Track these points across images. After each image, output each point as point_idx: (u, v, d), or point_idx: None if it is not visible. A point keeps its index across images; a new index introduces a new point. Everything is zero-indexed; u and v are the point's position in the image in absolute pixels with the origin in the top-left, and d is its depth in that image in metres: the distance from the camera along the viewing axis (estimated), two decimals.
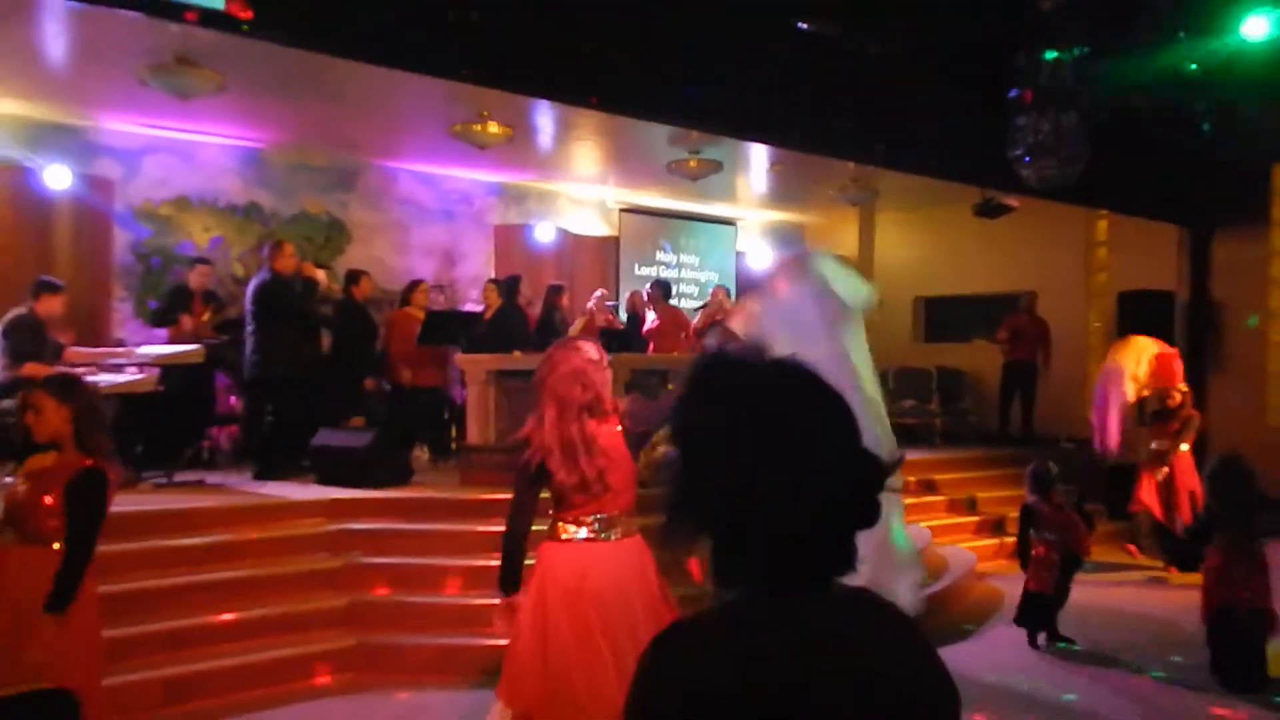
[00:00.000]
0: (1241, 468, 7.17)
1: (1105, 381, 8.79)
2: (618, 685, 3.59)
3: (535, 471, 3.95)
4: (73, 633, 4.24)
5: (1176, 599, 9.19)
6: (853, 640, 1.45)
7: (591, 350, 4.07)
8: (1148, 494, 10.14)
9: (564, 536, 3.98)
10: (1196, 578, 9.55)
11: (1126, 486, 10.50)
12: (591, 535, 3.96)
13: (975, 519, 11.27)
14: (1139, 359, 9.32)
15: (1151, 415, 9.74)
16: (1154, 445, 9.92)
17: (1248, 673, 6.70)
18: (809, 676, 1.40)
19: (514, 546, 4.06)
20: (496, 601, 5.05)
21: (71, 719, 4.18)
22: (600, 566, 3.91)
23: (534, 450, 3.94)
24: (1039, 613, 7.59)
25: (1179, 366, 10.02)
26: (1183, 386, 10.35)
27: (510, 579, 4.05)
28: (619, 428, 4.05)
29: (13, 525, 4.35)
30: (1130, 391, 9.45)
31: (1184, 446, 10.15)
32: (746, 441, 1.46)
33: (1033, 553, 7.64)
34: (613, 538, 3.97)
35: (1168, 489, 10.07)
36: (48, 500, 4.27)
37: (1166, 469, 10.03)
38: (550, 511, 4.04)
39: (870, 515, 1.48)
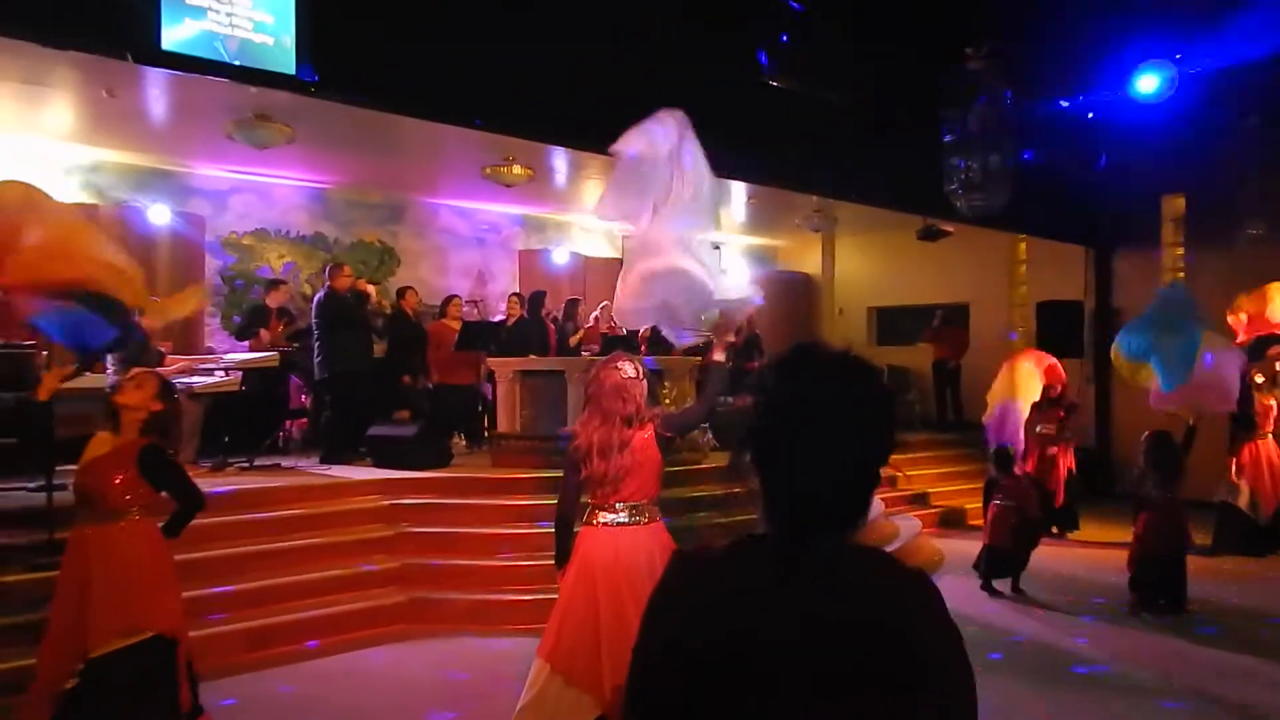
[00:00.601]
0: (1170, 442, 7.34)
1: (1004, 413, 8.63)
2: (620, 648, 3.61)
3: (578, 464, 3.96)
4: (162, 588, 4.28)
5: (1083, 556, 9.23)
6: (842, 585, 1.40)
7: (629, 368, 4.04)
8: (1032, 467, 9.92)
9: (597, 522, 3.95)
10: (1086, 535, 9.86)
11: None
12: (621, 521, 3.93)
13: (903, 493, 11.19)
14: (1031, 383, 9.14)
15: (1040, 405, 9.63)
16: (1039, 429, 9.82)
17: (1174, 603, 7.05)
18: (768, 613, 1.38)
19: (563, 527, 4.10)
20: (527, 564, 5.24)
21: (169, 657, 4.20)
22: (629, 547, 3.88)
23: (577, 447, 3.96)
24: (996, 563, 7.68)
25: (1060, 371, 9.93)
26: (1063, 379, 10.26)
27: (561, 555, 4.05)
28: (651, 434, 4.01)
29: (88, 508, 4.27)
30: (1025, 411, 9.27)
31: (1067, 434, 10.14)
32: (795, 417, 1.47)
33: (991, 514, 7.77)
34: (640, 522, 3.94)
35: (1050, 466, 9.99)
36: (117, 480, 4.20)
37: (1054, 449, 9.96)
38: (587, 500, 4.04)
39: (875, 482, 1.48)
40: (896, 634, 1.36)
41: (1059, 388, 9.97)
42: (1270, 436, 9.15)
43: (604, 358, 4.25)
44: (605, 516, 3.96)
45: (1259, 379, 9.13)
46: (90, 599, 4.10)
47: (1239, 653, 6.28)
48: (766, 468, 1.48)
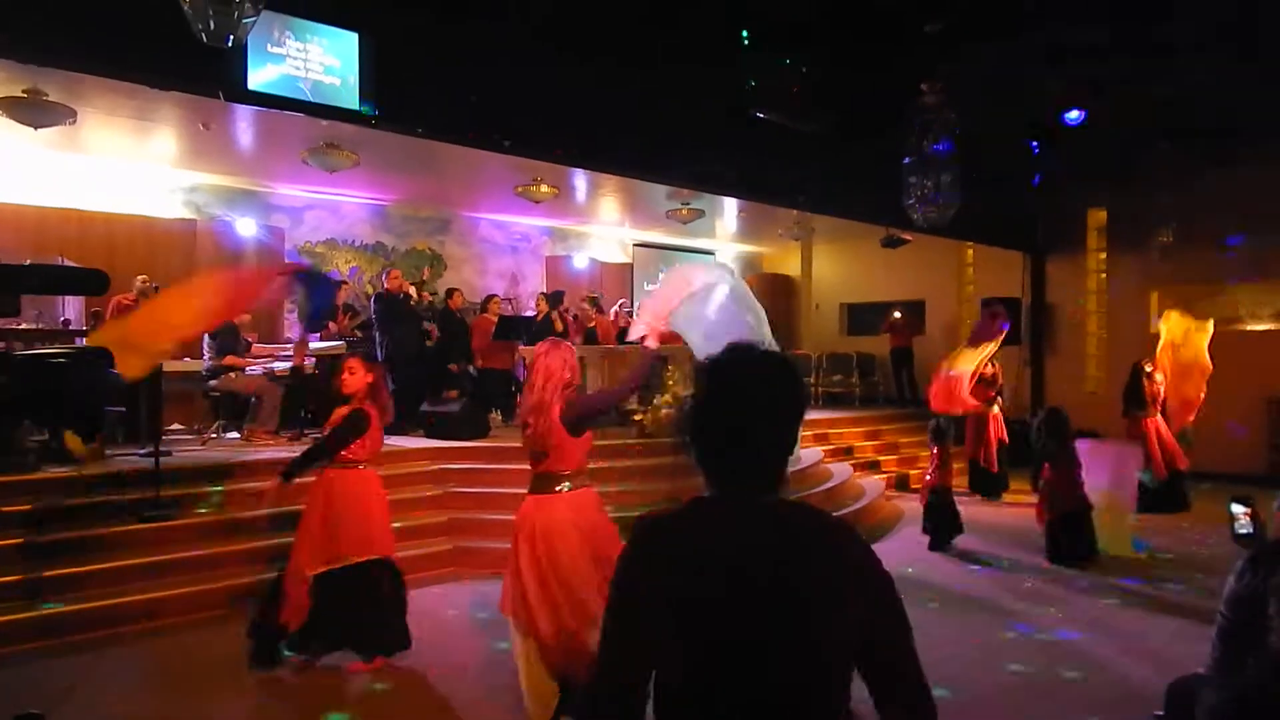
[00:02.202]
0: (1062, 415, 7.38)
1: (948, 378, 8.72)
2: (566, 605, 3.50)
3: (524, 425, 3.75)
4: (383, 522, 4.73)
5: (1008, 513, 9.20)
6: (774, 522, 1.47)
7: (572, 349, 3.83)
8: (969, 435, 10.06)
9: (533, 490, 3.72)
10: (1012, 498, 9.71)
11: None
12: (551, 489, 3.66)
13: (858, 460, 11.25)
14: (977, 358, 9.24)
15: (976, 383, 9.64)
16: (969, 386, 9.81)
17: (1076, 553, 6.99)
18: (727, 541, 1.44)
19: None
20: None
21: (395, 575, 4.77)
22: (552, 513, 3.62)
23: (525, 409, 3.73)
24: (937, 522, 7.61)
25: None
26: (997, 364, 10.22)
27: None
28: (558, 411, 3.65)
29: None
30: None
31: (995, 409, 10.08)
32: (716, 400, 1.52)
33: (923, 483, 7.80)
34: (565, 490, 3.65)
35: (981, 437, 9.99)
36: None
37: (986, 420, 9.94)
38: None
39: (790, 449, 1.53)
40: (833, 558, 1.46)
41: (990, 369, 9.92)
42: (1159, 415, 9.17)
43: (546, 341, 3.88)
44: (538, 484, 3.71)
45: (1148, 368, 9.18)
46: (333, 524, 4.51)
47: (1137, 592, 6.31)
48: (704, 445, 1.52)
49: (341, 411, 4.66)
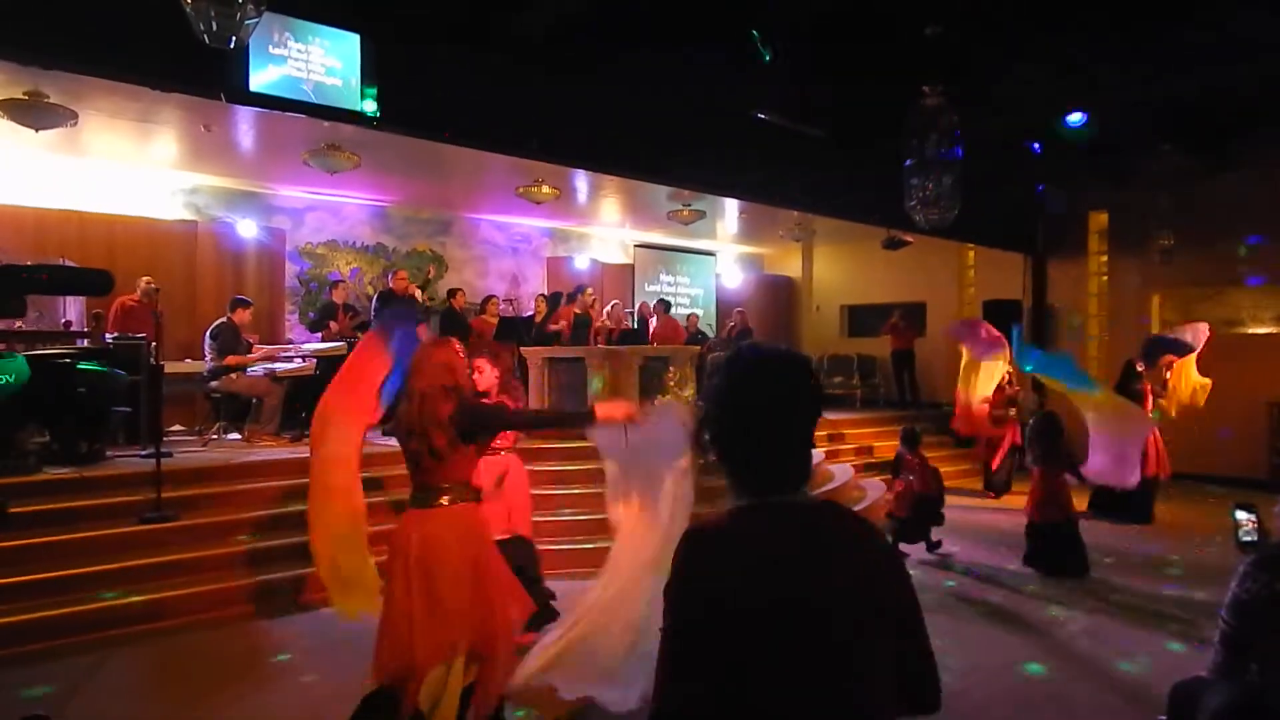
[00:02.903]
0: (1054, 421, 7.22)
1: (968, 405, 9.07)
2: (441, 625, 3.17)
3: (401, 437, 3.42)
4: (524, 503, 5.07)
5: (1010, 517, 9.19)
6: (815, 528, 1.48)
7: (457, 348, 3.49)
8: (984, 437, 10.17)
9: (411, 503, 3.42)
10: (1013, 501, 9.50)
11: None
12: (422, 504, 3.36)
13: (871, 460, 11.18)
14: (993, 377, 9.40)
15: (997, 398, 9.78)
16: (993, 412, 9.92)
17: (1062, 567, 6.77)
18: (778, 551, 1.42)
19: None
20: (555, 519, 5.28)
21: (531, 549, 5.05)
22: (424, 528, 3.31)
23: (404, 414, 3.37)
24: (903, 532, 7.30)
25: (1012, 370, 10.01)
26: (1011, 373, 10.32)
27: None
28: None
29: None
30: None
31: (1012, 412, 10.15)
32: (734, 401, 1.52)
33: (897, 487, 7.50)
34: (438, 504, 3.33)
35: (997, 441, 10.12)
36: None
37: (1000, 428, 10.02)
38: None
39: (810, 445, 1.53)
40: (874, 564, 1.47)
41: (1004, 379, 10.01)
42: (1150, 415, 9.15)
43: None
44: (412, 499, 3.42)
45: (1139, 367, 9.18)
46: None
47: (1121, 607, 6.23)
48: (728, 448, 1.51)
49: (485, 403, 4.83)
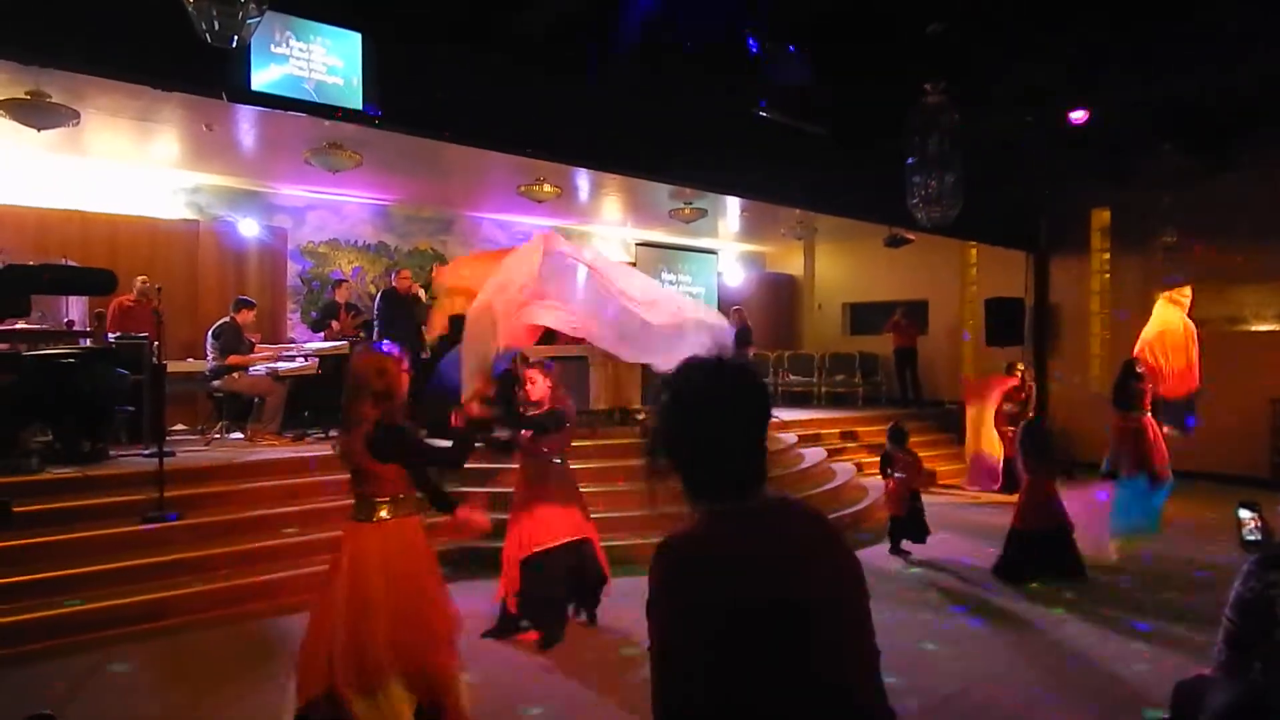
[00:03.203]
0: (1043, 431, 7.01)
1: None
2: (363, 650, 3.08)
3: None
4: (580, 508, 5.18)
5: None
6: (786, 528, 1.50)
7: (388, 354, 3.43)
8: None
9: (352, 515, 3.33)
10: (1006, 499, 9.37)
11: None
12: (359, 517, 3.28)
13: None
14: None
15: (1007, 395, 9.81)
16: (1005, 407, 9.95)
17: (1044, 571, 6.53)
18: (755, 553, 1.44)
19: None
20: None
21: (594, 553, 5.18)
22: (357, 543, 3.23)
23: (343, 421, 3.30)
24: (899, 530, 7.32)
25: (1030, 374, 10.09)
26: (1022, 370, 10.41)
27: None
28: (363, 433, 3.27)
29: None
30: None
31: (1030, 413, 10.15)
32: (684, 413, 1.53)
33: (887, 486, 7.39)
34: (372, 519, 3.25)
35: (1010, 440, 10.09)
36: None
37: (1011, 428, 10.00)
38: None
39: (762, 447, 1.55)
40: (843, 560, 1.52)
41: (1017, 377, 10.12)
42: (1148, 413, 9.07)
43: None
44: (352, 513, 3.32)
45: (1139, 368, 9.13)
46: (539, 510, 5.02)
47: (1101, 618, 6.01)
48: (679, 458, 1.52)
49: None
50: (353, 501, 3.35)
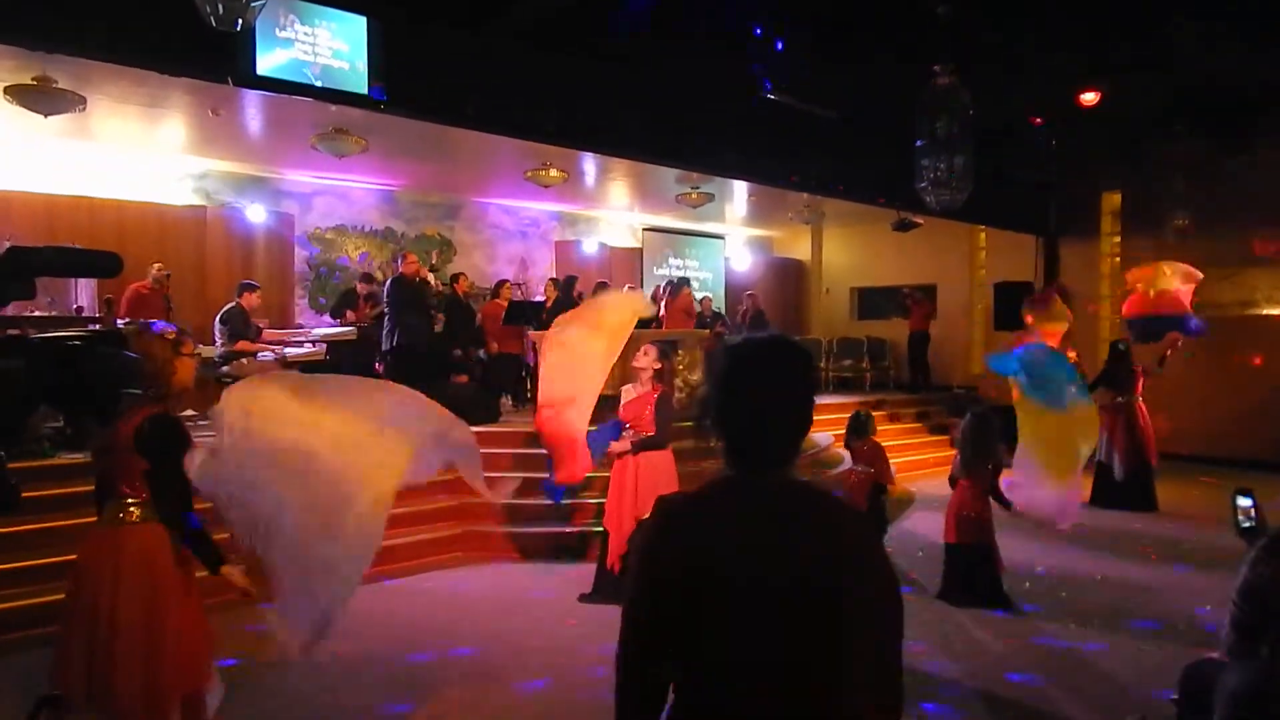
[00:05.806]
0: (989, 422, 5.84)
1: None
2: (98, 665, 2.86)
3: None
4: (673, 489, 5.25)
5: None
6: (786, 507, 1.50)
7: (169, 327, 3.05)
8: None
9: (98, 522, 2.99)
10: None
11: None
12: (103, 519, 2.96)
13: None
14: None
15: None
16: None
17: (976, 591, 5.66)
18: (739, 519, 1.47)
19: None
20: (549, 503, 6.24)
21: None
22: (89, 546, 2.96)
23: None
24: None
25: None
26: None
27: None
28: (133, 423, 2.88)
29: None
30: None
31: None
32: (729, 385, 1.55)
33: (850, 479, 6.32)
34: (118, 520, 2.92)
35: None
36: (645, 411, 5.40)
37: None
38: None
39: (806, 426, 1.56)
40: (843, 550, 1.48)
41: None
42: (1139, 400, 8.99)
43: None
44: (101, 508, 2.97)
45: (1121, 345, 9.04)
46: (644, 482, 5.25)
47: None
48: (723, 426, 1.55)
49: (642, 395, 5.44)
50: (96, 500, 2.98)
